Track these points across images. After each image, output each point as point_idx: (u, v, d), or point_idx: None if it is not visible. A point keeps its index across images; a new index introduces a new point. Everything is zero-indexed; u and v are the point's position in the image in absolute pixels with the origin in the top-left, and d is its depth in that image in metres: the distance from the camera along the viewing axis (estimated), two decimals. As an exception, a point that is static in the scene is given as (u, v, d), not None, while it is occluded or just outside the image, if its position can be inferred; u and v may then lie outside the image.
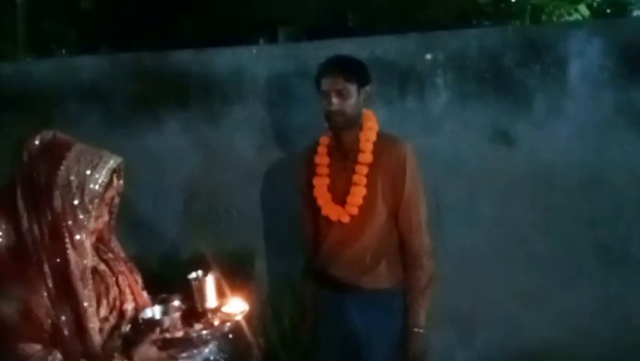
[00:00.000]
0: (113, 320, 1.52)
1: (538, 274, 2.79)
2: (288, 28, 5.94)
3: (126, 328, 1.53)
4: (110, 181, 1.50)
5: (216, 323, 1.59)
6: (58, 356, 1.35)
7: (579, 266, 2.79)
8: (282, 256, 2.88)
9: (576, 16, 5.66)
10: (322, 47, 2.75)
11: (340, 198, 2.13)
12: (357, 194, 2.09)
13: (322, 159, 2.20)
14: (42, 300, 1.37)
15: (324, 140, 2.23)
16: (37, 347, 1.32)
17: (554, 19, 5.73)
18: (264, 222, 2.97)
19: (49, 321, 1.37)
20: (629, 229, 2.77)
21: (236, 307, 1.62)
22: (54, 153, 1.44)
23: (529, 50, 2.80)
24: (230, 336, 1.60)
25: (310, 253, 2.29)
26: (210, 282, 1.60)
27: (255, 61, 2.99)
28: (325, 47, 2.75)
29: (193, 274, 1.62)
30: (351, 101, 2.08)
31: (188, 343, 1.51)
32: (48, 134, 1.48)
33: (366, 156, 2.11)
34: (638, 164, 2.74)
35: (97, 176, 1.45)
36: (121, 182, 1.56)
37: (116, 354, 1.45)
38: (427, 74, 2.83)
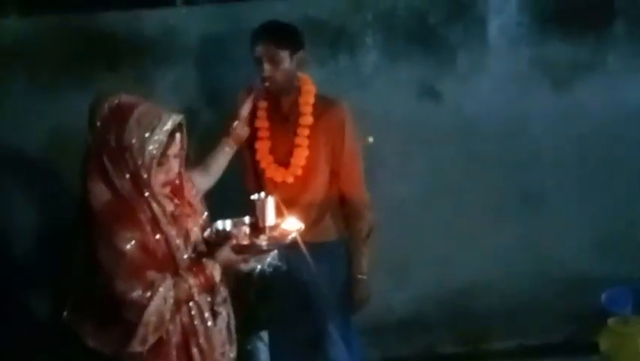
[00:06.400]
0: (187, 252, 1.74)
1: (467, 219, 3.01)
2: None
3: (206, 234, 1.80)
4: (172, 138, 1.64)
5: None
6: (169, 279, 1.62)
7: (502, 209, 3.04)
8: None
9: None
10: (256, 7, 2.76)
11: (283, 160, 2.22)
12: (300, 155, 2.18)
13: (263, 123, 2.25)
14: (150, 237, 1.63)
15: (263, 104, 2.27)
16: (155, 273, 1.61)
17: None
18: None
19: (160, 253, 1.65)
20: (544, 175, 3.03)
21: (293, 225, 1.85)
22: (119, 118, 1.61)
23: (453, 7, 2.93)
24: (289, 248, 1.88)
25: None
26: (271, 202, 1.82)
27: (186, 21, 2.95)
28: (258, 6, 2.77)
29: (255, 195, 1.84)
30: (283, 67, 2.13)
31: (258, 249, 1.78)
32: (114, 99, 1.63)
33: (307, 119, 2.19)
34: (551, 114, 2.99)
35: (155, 138, 1.60)
36: (184, 136, 1.70)
37: (203, 259, 1.70)
38: (358, 34, 2.92)
